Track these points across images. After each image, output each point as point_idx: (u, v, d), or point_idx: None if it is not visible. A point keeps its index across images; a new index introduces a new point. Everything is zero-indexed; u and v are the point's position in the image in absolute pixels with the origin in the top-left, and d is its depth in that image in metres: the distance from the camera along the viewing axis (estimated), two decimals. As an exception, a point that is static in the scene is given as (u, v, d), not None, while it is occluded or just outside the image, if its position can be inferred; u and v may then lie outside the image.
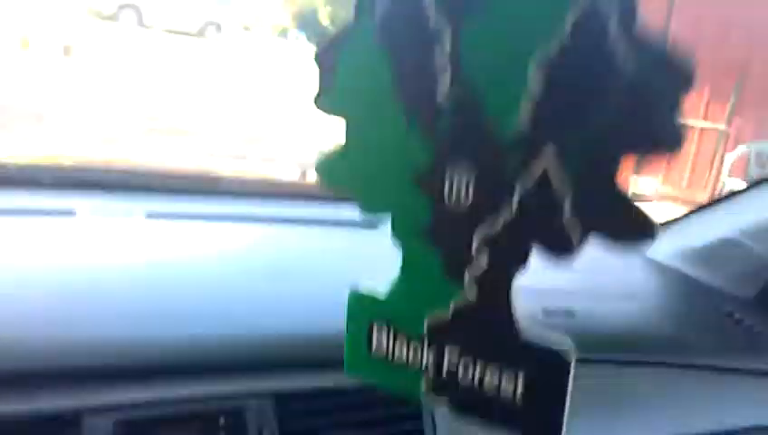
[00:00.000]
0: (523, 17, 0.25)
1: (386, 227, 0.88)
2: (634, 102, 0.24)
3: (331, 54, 0.26)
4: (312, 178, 1.47)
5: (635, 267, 1.09)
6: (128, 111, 7.68)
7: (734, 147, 5.95)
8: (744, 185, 5.41)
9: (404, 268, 0.31)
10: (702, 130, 6.30)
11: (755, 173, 5.81)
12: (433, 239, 0.28)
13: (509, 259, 0.27)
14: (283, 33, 20.16)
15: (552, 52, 0.24)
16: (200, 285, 0.70)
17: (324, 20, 20.27)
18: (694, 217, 1.13)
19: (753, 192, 1.03)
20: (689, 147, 6.25)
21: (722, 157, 6.05)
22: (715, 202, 1.11)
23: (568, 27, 0.24)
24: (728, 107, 6.16)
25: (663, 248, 1.13)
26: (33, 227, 0.76)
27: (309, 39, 19.42)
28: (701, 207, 1.14)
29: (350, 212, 0.98)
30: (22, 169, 0.89)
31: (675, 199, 6.26)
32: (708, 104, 6.25)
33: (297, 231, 0.92)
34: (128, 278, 0.68)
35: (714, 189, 6.11)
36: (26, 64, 9.08)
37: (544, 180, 0.25)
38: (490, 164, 0.25)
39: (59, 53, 10.09)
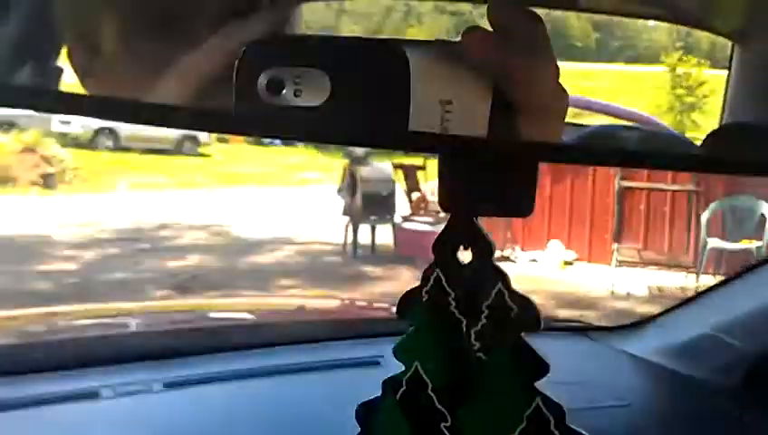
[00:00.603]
0: (497, 410, 0.33)
1: (387, 365, 0.94)
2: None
3: (366, 420, 0.34)
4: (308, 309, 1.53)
5: (621, 369, 1.15)
6: (116, 236, 7.76)
7: (707, 206, 6.12)
8: (724, 243, 5.52)
9: None
10: (673, 193, 6.49)
11: (733, 229, 5.97)
12: None
13: None
14: (259, 139, 20.67)
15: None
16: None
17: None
18: (674, 314, 1.21)
19: (726, 289, 1.12)
20: (664, 211, 6.41)
21: (697, 217, 6.22)
22: (691, 298, 1.20)
23: (524, 421, 0.32)
24: (695, 168, 6.36)
25: (647, 346, 1.19)
26: (60, 414, 0.81)
27: (283, 142, 19.92)
28: (680, 303, 1.22)
29: (352, 352, 1.05)
30: (48, 349, 0.95)
31: (658, 264, 6.40)
32: (676, 167, 6.46)
33: (307, 379, 0.97)
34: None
35: (696, 250, 6.23)
36: (8, 199, 9.21)
37: None
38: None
39: (40, 184, 10.26)
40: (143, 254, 7.11)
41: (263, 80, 0.28)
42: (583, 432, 0.34)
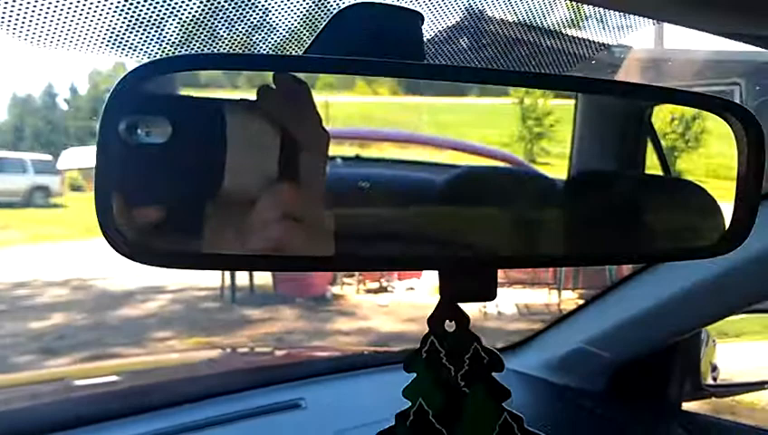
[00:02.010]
0: (478, 425, 0.45)
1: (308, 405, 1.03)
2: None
3: None
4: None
5: (507, 384, 1.30)
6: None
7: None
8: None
9: None
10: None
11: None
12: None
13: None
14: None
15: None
16: None
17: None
18: (549, 332, 1.38)
19: (592, 308, 1.30)
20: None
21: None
22: (563, 317, 1.37)
23: (497, 429, 0.44)
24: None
25: (529, 362, 1.36)
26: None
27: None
28: (554, 323, 1.39)
29: (272, 397, 1.11)
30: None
31: (523, 283, 6.84)
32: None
33: (232, 429, 1.02)
34: None
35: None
36: None
37: None
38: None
39: None
40: (1, 316, 6.60)
41: (122, 125, 0.39)
42: (540, 433, 0.47)
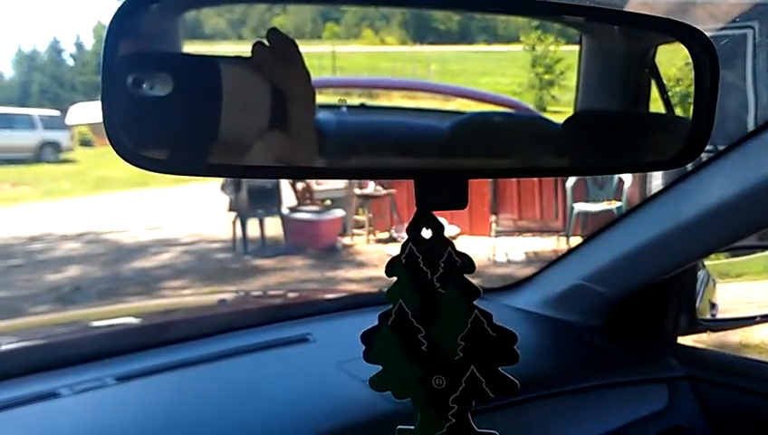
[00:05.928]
0: (452, 321, 0.49)
1: (315, 339, 1.08)
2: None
3: (369, 340, 0.49)
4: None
5: (509, 320, 1.34)
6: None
7: (571, 174, 6.61)
8: (588, 206, 5.98)
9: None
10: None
11: (595, 193, 6.52)
12: (428, 400, 0.50)
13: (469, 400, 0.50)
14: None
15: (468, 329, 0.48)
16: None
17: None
18: (549, 270, 1.41)
19: (590, 245, 1.33)
20: (533, 182, 6.88)
21: (563, 185, 6.73)
22: (562, 256, 1.41)
23: (468, 325, 0.48)
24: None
25: (529, 300, 1.40)
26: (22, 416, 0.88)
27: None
28: (554, 261, 1.42)
29: (282, 332, 1.17)
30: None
31: (533, 231, 6.88)
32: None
33: (245, 361, 1.08)
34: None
35: (564, 215, 6.76)
36: None
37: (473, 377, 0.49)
38: (451, 373, 0.49)
39: None
40: (17, 270, 6.74)
41: (129, 79, 0.43)
42: (504, 326, 0.51)
